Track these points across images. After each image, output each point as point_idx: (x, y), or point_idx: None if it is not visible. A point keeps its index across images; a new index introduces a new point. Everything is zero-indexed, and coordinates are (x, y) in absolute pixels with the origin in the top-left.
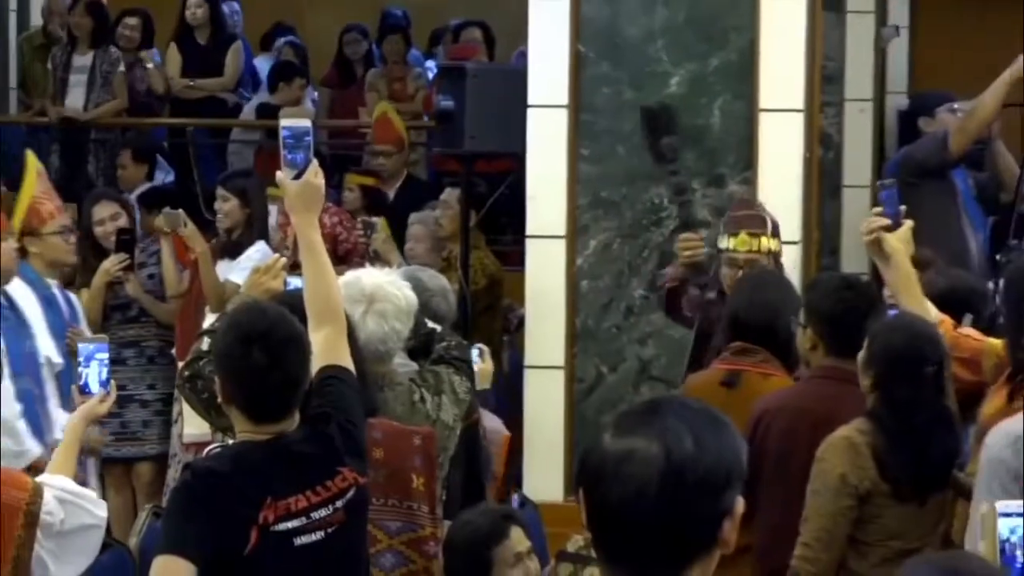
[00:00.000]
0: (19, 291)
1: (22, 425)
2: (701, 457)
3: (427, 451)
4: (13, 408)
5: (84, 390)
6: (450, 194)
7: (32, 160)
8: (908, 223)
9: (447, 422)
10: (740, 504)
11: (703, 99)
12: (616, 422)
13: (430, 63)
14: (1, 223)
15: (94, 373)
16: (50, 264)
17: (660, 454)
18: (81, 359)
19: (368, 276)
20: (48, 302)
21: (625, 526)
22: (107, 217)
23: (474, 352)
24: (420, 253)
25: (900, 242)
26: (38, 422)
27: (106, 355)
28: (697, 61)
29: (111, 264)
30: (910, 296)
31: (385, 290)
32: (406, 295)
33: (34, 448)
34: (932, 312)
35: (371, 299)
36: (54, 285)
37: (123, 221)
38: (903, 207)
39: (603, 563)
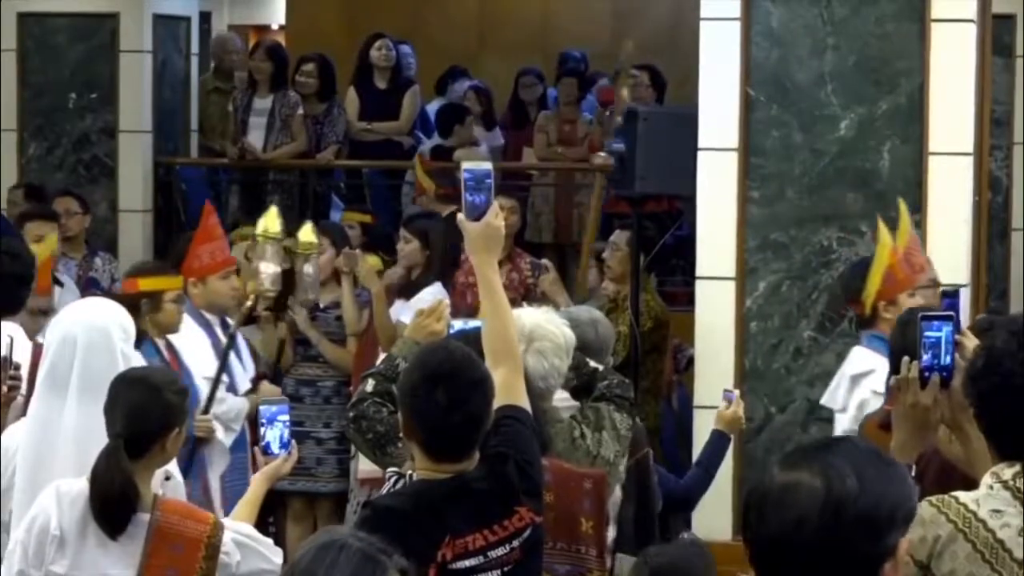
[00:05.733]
0: None
1: None
2: (862, 495)
3: (597, 494)
4: None
5: (266, 451)
6: (619, 236)
7: None
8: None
9: (607, 458)
10: (904, 545)
11: (872, 142)
12: (785, 457)
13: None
14: None
15: (276, 435)
16: None
17: (821, 487)
18: (263, 420)
19: (527, 315)
20: None
21: (785, 556)
22: None
23: (730, 395)
24: None
25: None
26: None
27: (287, 417)
28: (866, 105)
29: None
30: None
31: (544, 328)
32: (564, 333)
33: None
34: None
35: (530, 338)
36: None
37: (328, 255)
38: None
39: None
